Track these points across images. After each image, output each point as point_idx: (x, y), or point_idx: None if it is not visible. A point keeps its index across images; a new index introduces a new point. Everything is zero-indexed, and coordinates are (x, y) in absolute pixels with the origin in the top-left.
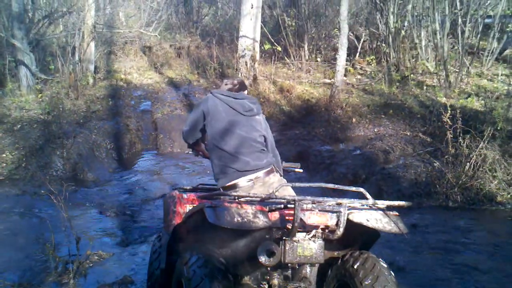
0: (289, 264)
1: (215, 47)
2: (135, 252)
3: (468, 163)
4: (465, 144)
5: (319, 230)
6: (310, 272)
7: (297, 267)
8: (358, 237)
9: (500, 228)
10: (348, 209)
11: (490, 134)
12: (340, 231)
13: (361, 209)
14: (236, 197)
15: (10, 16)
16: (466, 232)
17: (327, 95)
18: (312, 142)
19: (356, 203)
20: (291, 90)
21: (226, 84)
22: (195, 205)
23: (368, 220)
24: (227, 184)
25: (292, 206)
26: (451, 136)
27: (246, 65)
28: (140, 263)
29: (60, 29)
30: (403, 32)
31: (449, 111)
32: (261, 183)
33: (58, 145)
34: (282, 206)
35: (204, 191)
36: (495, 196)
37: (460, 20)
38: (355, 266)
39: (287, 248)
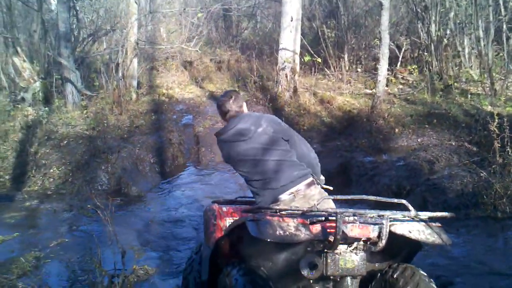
0: (331, 277)
1: (255, 60)
2: (180, 267)
3: None
4: None
5: (361, 243)
6: (351, 284)
7: (339, 279)
8: (400, 249)
9: None
10: (390, 221)
11: None
12: (382, 243)
13: (403, 221)
14: (278, 211)
15: (57, 36)
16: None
17: (369, 106)
18: (354, 153)
19: (399, 214)
20: (332, 101)
21: (226, 115)
22: (234, 218)
23: (410, 232)
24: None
25: (334, 218)
26: (499, 145)
27: (286, 77)
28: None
29: (103, 46)
30: (445, 40)
31: (496, 120)
32: (302, 196)
33: (103, 160)
34: (324, 218)
35: (242, 203)
36: None
37: (505, 26)
38: (395, 276)
39: (329, 260)
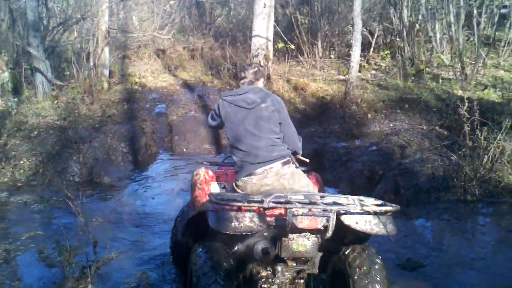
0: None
1: (229, 47)
2: (153, 254)
3: (486, 156)
4: (482, 136)
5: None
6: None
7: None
8: (353, 234)
9: None
10: (341, 213)
11: (508, 126)
12: (329, 233)
13: (352, 213)
14: (237, 198)
15: (25, 25)
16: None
17: (342, 92)
18: (328, 139)
19: (350, 205)
20: (306, 88)
21: (241, 80)
22: (220, 182)
23: (357, 223)
24: (245, 178)
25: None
26: (468, 129)
27: (260, 64)
28: (157, 264)
29: (74, 35)
30: (417, 25)
31: (466, 104)
32: (274, 174)
33: (74, 150)
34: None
35: (229, 166)
36: None
37: (475, 11)
38: (346, 252)
39: (283, 244)
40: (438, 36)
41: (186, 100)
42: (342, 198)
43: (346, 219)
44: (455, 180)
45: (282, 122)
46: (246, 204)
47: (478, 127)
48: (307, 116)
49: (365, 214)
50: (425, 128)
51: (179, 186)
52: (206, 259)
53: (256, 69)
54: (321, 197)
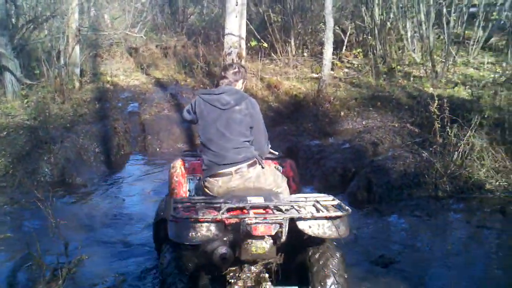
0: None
1: (202, 46)
2: (126, 254)
3: (456, 152)
4: (452, 133)
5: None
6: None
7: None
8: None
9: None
10: (293, 219)
11: (477, 123)
12: (283, 239)
13: (305, 218)
14: (199, 202)
15: None
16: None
17: (315, 90)
18: (301, 137)
19: (303, 210)
20: (279, 86)
21: (221, 79)
22: (195, 175)
23: (310, 227)
24: (211, 179)
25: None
26: (439, 126)
27: (233, 62)
28: (131, 264)
29: (44, 33)
30: (388, 24)
31: (436, 101)
32: (239, 177)
33: (45, 151)
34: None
35: None
36: (484, 184)
37: (445, 10)
38: (310, 253)
39: (242, 248)
40: (409, 34)
41: (159, 99)
42: (300, 199)
43: (300, 224)
44: (426, 176)
45: (254, 126)
46: (201, 216)
47: (448, 124)
48: (280, 114)
49: (318, 220)
50: (396, 125)
51: (152, 186)
52: (170, 260)
53: (236, 70)
54: (279, 200)
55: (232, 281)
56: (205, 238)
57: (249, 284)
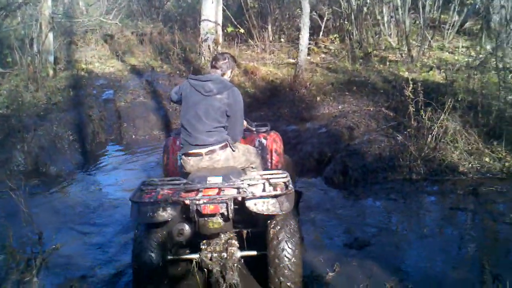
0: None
1: (178, 32)
2: (101, 243)
3: (430, 135)
4: (426, 116)
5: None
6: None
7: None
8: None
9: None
10: (243, 198)
11: (451, 106)
12: (230, 216)
13: (248, 198)
14: (163, 185)
15: None
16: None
17: (292, 75)
18: (278, 122)
19: (247, 190)
20: (256, 72)
21: (211, 67)
22: None
23: (255, 205)
24: (185, 157)
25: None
26: (413, 109)
27: (209, 49)
28: (106, 254)
29: (17, 21)
30: (365, 9)
31: (411, 85)
32: (209, 158)
33: (18, 139)
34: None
35: None
36: (457, 167)
37: None
38: (272, 225)
39: (200, 224)
40: (385, 19)
41: (135, 86)
42: (256, 177)
43: (246, 203)
44: (401, 160)
45: (231, 115)
46: (154, 199)
47: (423, 107)
48: (257, 100)
49: (264, 198)
50: (372, 109)
51: (127, 174)
52: (142, 231)
53: (226, 60)
54: (236, 179)
55: (203, 247)
56: (161, 219)
57: (217, 249)
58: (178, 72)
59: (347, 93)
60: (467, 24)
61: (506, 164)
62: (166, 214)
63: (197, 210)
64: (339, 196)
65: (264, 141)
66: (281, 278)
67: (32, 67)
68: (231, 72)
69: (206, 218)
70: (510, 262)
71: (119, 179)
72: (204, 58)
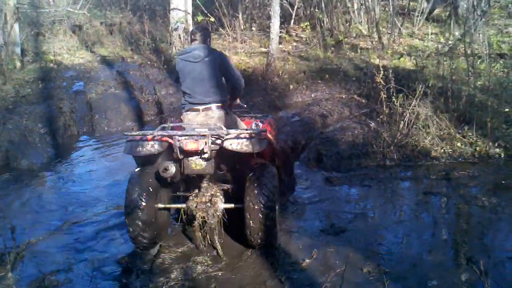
0: (189, 175)
1: (148, 21)
2: (77, 237)
3: (402, 122)
4: (398, 103)
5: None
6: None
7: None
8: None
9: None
10: (222, 139)
11: (421, 92)
12: (207, 151)
13: (225, 138)
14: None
15: None
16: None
17: (264, 64)
18: (251, 112)
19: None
20: None
21: (192, 41)
22: None
23: (231, 145)
24: (184, 112)
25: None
26: (385, 96)
27: (180, 38)
28: (82, 248)
29: None
30: None
31: (382, 72)
32: (205, 114)
33: None
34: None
35: None
36: (429, 152)
37: None
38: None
39: (184, 165)
40: (355, 6)
41: (106, 77)
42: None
43: (224, 143)
44: (374, 146)
45: (225, 72)
46: (141, 133)
47: (394, 94)
48: None
49: (239, 139)
50: (344, 97)
51: (100, 166)
52: (134, 174)
53: (202, 31)
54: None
55: (191, 198)
56: (148, 152)
57: (203, 200)
58: (149, 62)
59: (319, 81)
60: (435, 11)
61: (477, 148)
62: (152, 149)
63: (180, 148)
64: (313, 183)
65: (260, 124)
66: (253, 224)
67: None
68: (209, 40)
69: (189, 159)
70: (484, 244)
71: (92, 172)
72: (175, 48)
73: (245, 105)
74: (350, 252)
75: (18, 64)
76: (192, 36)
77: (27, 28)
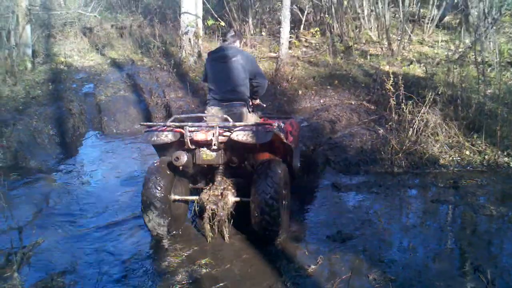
0: (199, 165)
1: (158, 25)
2: (85, 238)
3: (411, 129)
4: (407, 110)
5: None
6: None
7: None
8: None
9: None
10: (231, 130)
11: (431, 99)
12: (215, 143)
13: (230, 130)
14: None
15: None
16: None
17: (273, 69)
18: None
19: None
20: None
21: (223, 41)
22: None
23: (237, 136)
24: (208, 107)
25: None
26: (394, 103)
27: (190, 42)
28: (89, 249)
29: None
30: (345, 2)
31: (392, 79)
32: (227, 109)
33: None
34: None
35: None
36: (437, 159)
37: None
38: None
39: (196, 155)
40: (365, 13)
41: (115, 80)
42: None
43: (232, 135)
44: (382, 153)
45: (251, 70)
46: (155, 124)
47: (404, 101)
48: None
49: (245, 130)
50: (353, 103)
51: (108, 167)
52: (152, 166)
53: (233, 33)
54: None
55: (205, 191)
56: (162, 142)
57: (215, 193)
58: (159, 65)
59: (328, 86)
60: (446, 18)
61: (486, 157)
62: (166, 138)
63: (191, 138)
64: (321, 190)
65: (282, 124)
66: (256, 214)
67: (9, 61)
68: (240, 42)
69: (200, 149)
70: (490, 253)
71: (100, 173)
72: (185, 51)
73: (265, 105)
74: (356, 259)
75: (29, 65)
76: (224, 37)
77: (38, 29)
